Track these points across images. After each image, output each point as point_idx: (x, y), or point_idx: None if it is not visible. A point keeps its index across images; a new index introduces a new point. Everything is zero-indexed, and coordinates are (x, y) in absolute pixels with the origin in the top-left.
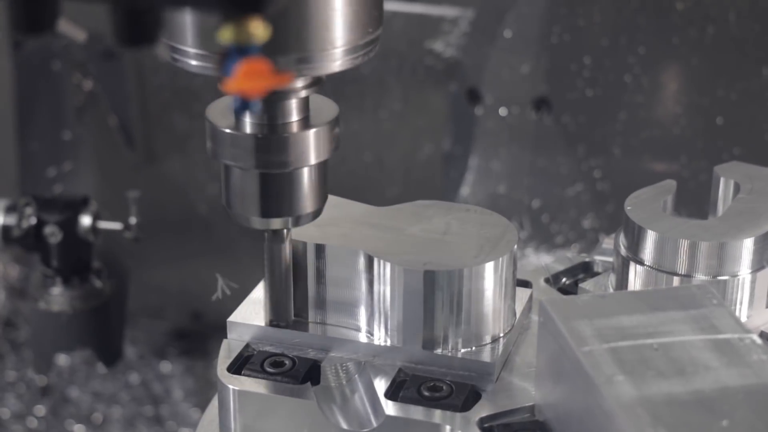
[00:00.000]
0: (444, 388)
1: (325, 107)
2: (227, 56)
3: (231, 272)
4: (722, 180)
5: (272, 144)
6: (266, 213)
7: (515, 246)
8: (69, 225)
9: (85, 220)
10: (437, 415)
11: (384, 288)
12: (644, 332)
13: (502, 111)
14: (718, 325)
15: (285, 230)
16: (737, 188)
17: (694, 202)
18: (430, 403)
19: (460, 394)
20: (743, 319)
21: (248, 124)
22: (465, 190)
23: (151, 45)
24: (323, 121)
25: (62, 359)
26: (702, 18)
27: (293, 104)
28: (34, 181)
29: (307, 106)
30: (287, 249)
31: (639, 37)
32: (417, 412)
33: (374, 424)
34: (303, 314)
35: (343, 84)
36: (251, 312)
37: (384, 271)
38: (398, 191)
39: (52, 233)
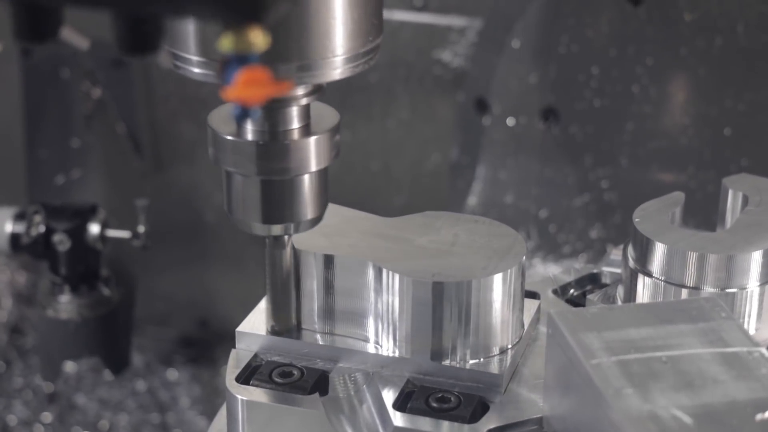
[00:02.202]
0: (452, 399)
1: (326, 115)
2: (227, 64)
3: (238, 281)
4: (730, 192)
5: (273, 151)
6: (267, 219)
7: (524, 257)
8: (77, 233)
9: (94, 228)
10: (445, 426)
11: (392, 299)
12: (653, 345)
13: (510, 121)
14: (727, 339)
15: (286, 236)
16: (746, 200)
17: (702, 213)
18: (438, 414)
19: (468, 405)
20: (752, 332)
21: (250, 131)
22: (472, 199)
23: (153, 53)
24: (324, 128)
25: (69, 366)
26: (710, 29)
27: (294, 112)
28: (43, 189)
29: (308, 114)
30: (288, 255)
31: (647, 48)
32: (425, 424)
33: None
34: (307, 324)
35: (350, 93)
36: (259, 322)
37: (393, 282)
38: (405, 200)
39: (61, 241)
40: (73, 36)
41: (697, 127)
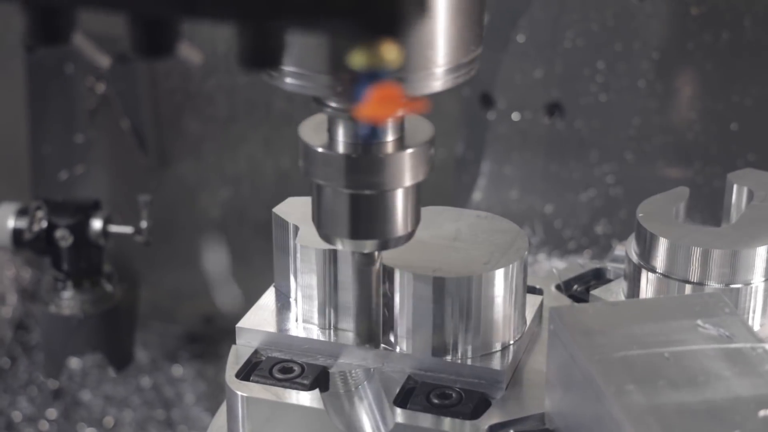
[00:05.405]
0: (453, 395)
1: (421, 127)
2: (358, 81)
3: (243, 277)
4: (735, 187)
5: (366, 165)
6: (356, 235)
7: (526, 253)
8: (80, 229)
9: (96, 224)
10: (446, 422)
11: (393, 294)
12: (655, 341)
13: (515, 116)
14: (731, 335)
15: (375, 252)
16: (751, 195)
17: (708, 208)
18: (440, 410)
19: (470, 401)
20: (756, 328)
21: (341, 143)
22: (477, 195)
23: (169, 56)
24: (419, 141)
25: (74, 363)
26: (717, 23)
27: (388, 124)
28: (46, 185)
29: (402, 127)
30: (377, 271)
31: (653, 42)
32: (426, 420)
33: (383, 431)
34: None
35: None
36: (260, 318)
37: (393, 277)
38: None
39: (63, 237)
40: (92, 51)
41: (704, 122)
